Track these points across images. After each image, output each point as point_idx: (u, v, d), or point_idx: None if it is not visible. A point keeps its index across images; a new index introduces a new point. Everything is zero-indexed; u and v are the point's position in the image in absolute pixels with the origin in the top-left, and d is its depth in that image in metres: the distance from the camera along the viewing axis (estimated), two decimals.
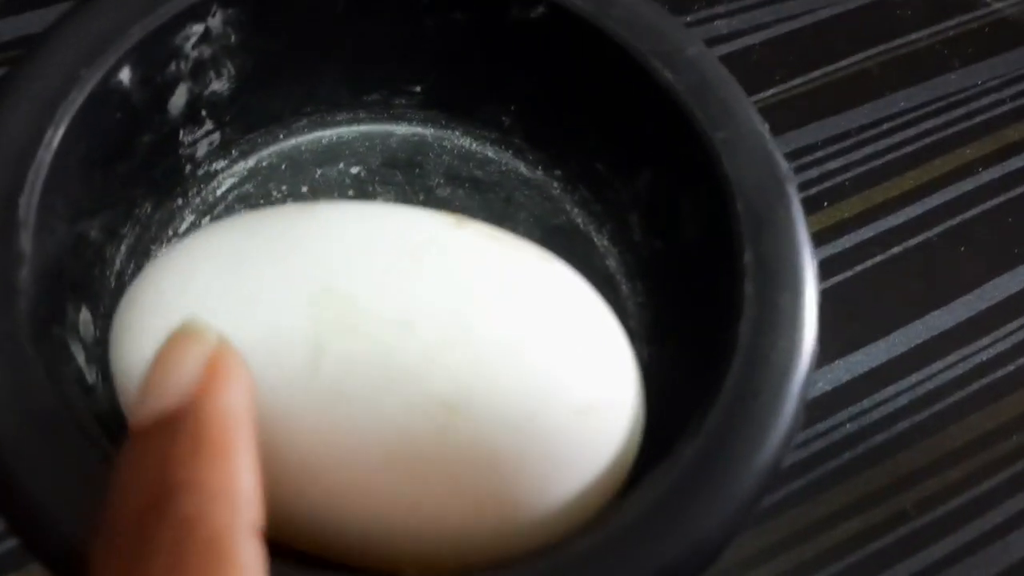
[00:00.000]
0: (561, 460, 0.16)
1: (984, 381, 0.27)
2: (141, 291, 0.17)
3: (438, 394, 0.15)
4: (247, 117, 0.23)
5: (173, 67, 0.20)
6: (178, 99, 0.21)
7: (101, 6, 0.19)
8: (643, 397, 0.18)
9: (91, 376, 0.19)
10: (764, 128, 0.20)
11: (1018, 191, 0.30)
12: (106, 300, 0.21)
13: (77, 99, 0.18)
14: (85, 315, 0.20)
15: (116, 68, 0.19)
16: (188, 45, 0.20)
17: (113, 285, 0.21)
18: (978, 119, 0.32)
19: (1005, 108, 0.32)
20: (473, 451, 0.15)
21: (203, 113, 0.22)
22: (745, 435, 0.17)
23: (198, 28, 0.20)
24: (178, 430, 0.13)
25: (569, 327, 0.17)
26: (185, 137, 0.22)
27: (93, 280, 0.20)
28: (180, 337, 0.15)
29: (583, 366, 0.17)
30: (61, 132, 0.18)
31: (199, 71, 0.21)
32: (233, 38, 0.21)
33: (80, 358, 0.19)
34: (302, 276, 0.16)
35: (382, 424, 0.15)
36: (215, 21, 0.20)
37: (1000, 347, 0.27)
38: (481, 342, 0.16)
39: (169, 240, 0.23)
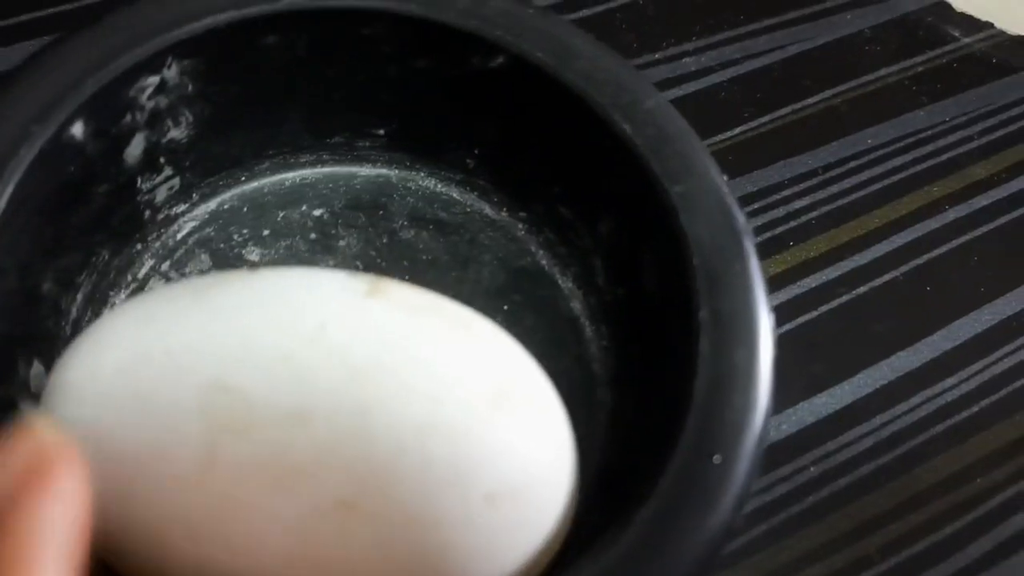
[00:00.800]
0: (470, 552, 0.16)
1: (949, 423, 0.27)
2: (56, 380, 0.16)
3: (334, 492, 0.15)
4: (207, 161, 0.23)
5: (128, 118, 0.20)
6: (134, 149, 0.21)
7: (54, 60, 0.19)
8: (574, 472, 0.17)
9: None
10: (722, 181, 0.20)
11: (984, 229, 0.30)
12: (60, 349, 0.21)
13: (27, 156, 0.18)
14: (37, 368, 0.20)
15: (68, 122, 0.19)
16: (143, 96, 0.20)
17: (69, 334, 0.21)
18: (945, 156, 0.32)
19: (972, 145, 0.32)
20: (374, 550, 0.15)
21: (161, 160, 0.22)
22: (698, 496, 0.17)
23: (153, 80, 0.20)
24: None
25: (485, 405, 0.16)
26: (143, 184, 0.22)
27: (47, 331, 0.20)
28: (11, 438, 0.13)
29: (497, 448, 0.16)
30: (9, 191, 0.17)
31: (155, 121, 0.21)
32: (190, 87, 0.21)
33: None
34: (196, 371, 0.15)
35: (278, 528, 0.15)
36: (171, 72, 0.20)
37: (965, 388, 0.27)
38: (381, 432, 0.15)
39: (128, 285, 0.23)
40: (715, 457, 0.17)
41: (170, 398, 0.15)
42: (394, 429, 0.15)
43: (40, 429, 0.13)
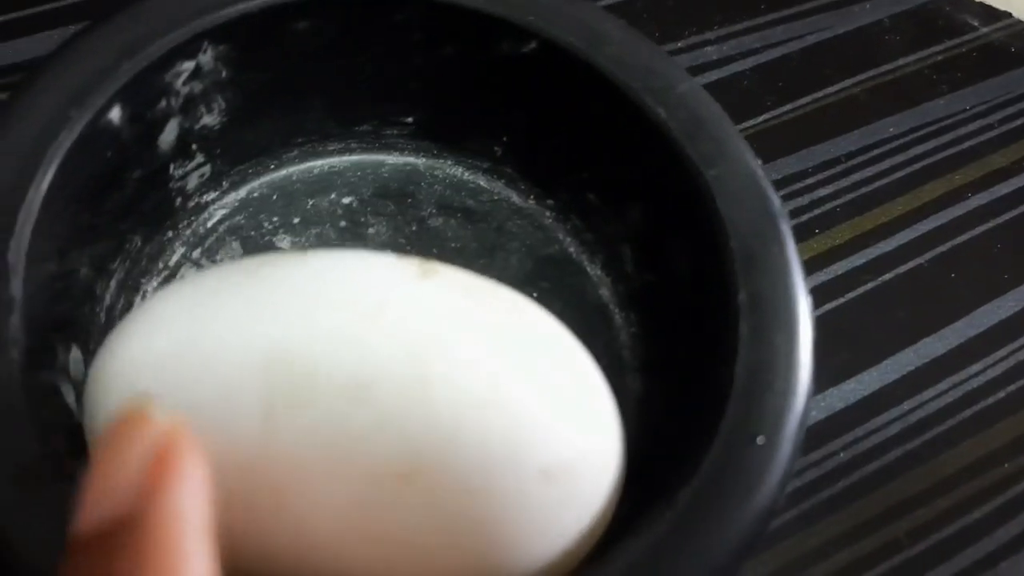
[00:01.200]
0: (525, 526, 0.16)
1: (975, 408, 0.27)
2: (105, 360, 0.16)
3: (393, 464, 0.15)
4: (238, 149, 0.23)
5: (163, 104, 0.20)
6: (168, 134, 0.21)
7: (91, 44, 0.19)
8: (623, 454, 0.18)
9: (81, 415, 0.19)
10: (757, 164, 0.20)
11: (1006, 217, 0.30)
12: (96, 336, 0.21)
13: (66, 141, 0.18)
14: (76, 354, 0.20)
15: (106, 108, 0.19)
16: (179, 82, 0.20)
17: (103, 320, 0.21)
18: (966, 144, 0.32)
19: (993, 133, 0.32)
20: (429, 521, 0.15)
21: (193, 147, 0.22)
22: (740, 480, 0.17)
23: (189, 65, 0.20)
24: (121, 544, 0.12)
25: (540, 383, 0.16)
26: (176, 171, 0.22)
27: (83, 317, 0.20)
28: (124, 426, 0.13)
29: (552, 425, 0.16)
30: (50, 175, 0.17)
31: (189, 106, 0.21)
32: (224, 73, 0.21)
33: (71, 398, 0.19)
34: (257, 339, 0.15)
35: (336, 495, 0.15)
36: (206, 57, 0.20)
37: (991, 374, 0.27)
38: (440, 405, 0.15)
39: (159, 273, 0.23)
40: (759, 439, 0.17)
41: (229, 371, 0.15)
42: (453, 403, 0.15)
43: (152, 414, 0.13)
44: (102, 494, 0.12)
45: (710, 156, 0.20)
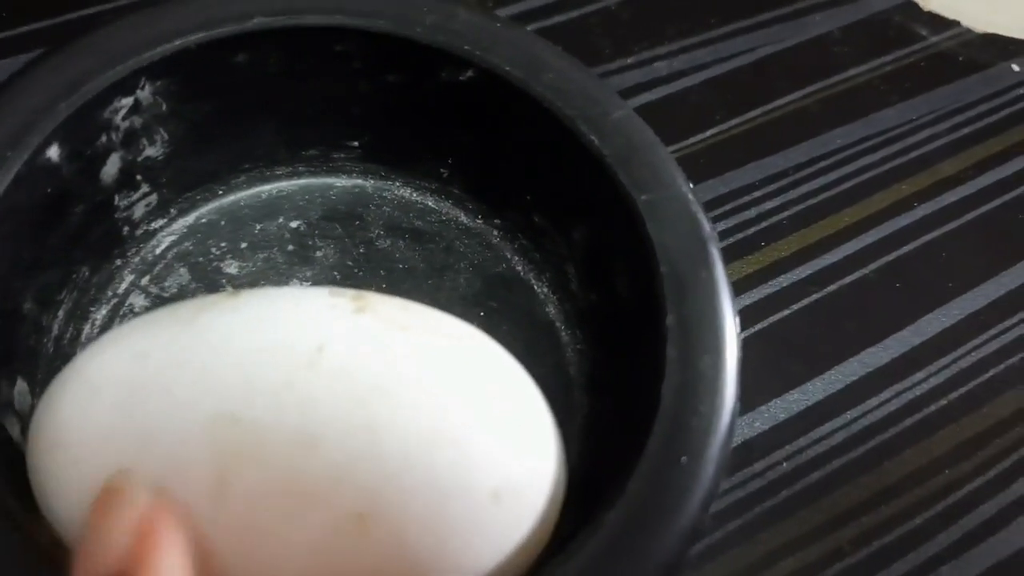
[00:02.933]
0: (480, 548, 0.16)
1: (918, 416, 0.27)
2: (42, 428, 0.16)
3: (347, 508, 0.15)
4: (184, 177, 0.24)
5: (103, 139, 0.21)
6: (111, 167, 0.21)
7: (27, 84, 0.19)
8: (564, 472, 0.18)
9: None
10: (689, 190, 0.21)
11: (952, 226, 0.31)
12: (43, 367, 0.21)
13: (2, 181, 0.18)
14: (21, 386, 0.20)
15: (44, 146, 0.19)
16: (118, 117, 0.20)
17: (52, 351, 0.22)
18: (914, 154, 0.32)
19: (941, 142, 0.33)
20: (390, 561, 0.16)
21: (138, 178, 0.22)
22: (665, 498, 0.18)
23: (127, 101, 0.20)
24: None
25: (482, 409, 0.17)
26: (121, 201, 0.22)
27: (29, 349, 0.21)
28: (108, 498, 0.15)
29: (497, 449, 0.17)
30: None
31: (131, 140, 0.21)
32: (164, 106, 0.21)
33: (15, 431, 0.19)
34: (198, 405, 0.16)
35: (295, 549, 0.15)
36: (144, 93, 0.21)
37: (933, 382, 0.28)
38: (389, 446, 0.16)
39: (108, 301, 0.23)
40: (682, 459, 0.18)
41: (175, 433, 0.16)
42: (402, 444, 0.16)
43: (133, 489, 0.15)
44: (94, 559, 0.14)
45: (643, 181, 0.21)
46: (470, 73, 0.22)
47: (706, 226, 0.21)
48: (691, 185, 0.21)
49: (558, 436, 0.19)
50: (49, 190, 0.20)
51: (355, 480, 0.15)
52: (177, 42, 0.20)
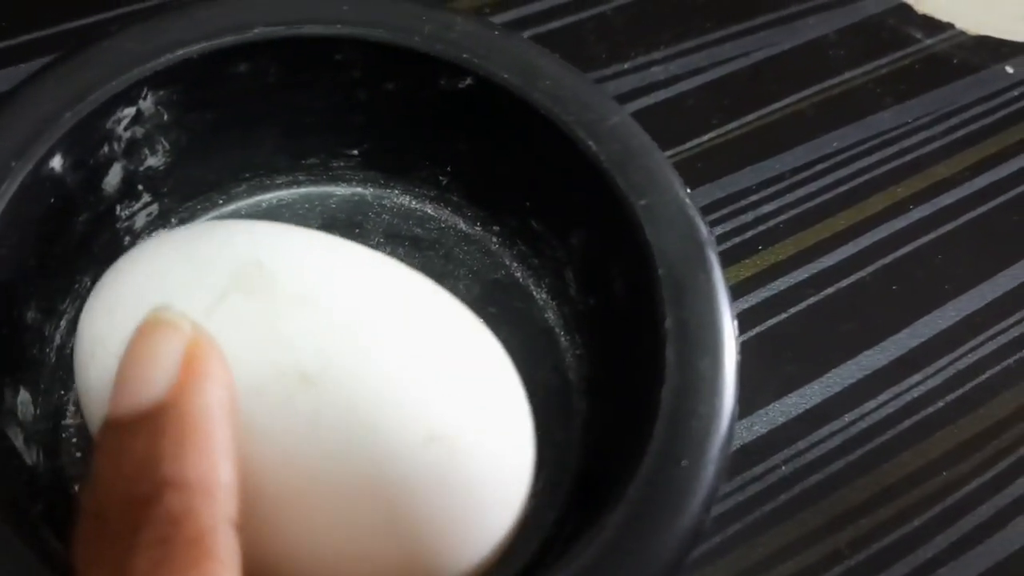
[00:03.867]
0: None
1: (915, 418, 0.28)
2: (110, 288, 0.18)
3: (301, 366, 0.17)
4: (185, 187, 0.24)
5: (106, 149, 0.21)
6: (113, 177, 0.21)
7: (30, 95, 0.19)
8: (534, 463, 0.20)
9: (31, 457, 0.20)
10: (685, 194, 0.21)
11: (948, 228, 0.31)
12: (46, 377, 0.21)
13: (8, 191, 0.18)
14: (24, 396, 0.20)
15: (47, 156, 0.19)
16: (120, 127, 0.21)
17: (54, 360, 0.22)
18: (909, 157, 0.32)
19: (936, 145, 0.33)
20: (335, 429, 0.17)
21: (139, 187, 0.22)
22: (666, 501, 0.18)
23: (129, 111, 0.20)
24: (161, 426, 0.14)
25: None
26: (122, 211, 0.23)
27: (31, 360, 0.21)
28: (153, 327, 0.15)
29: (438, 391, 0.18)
30: None
31: (133, 150, 0.21)
32: (166, 116, 0.21)
33: (18, 441, 0.19)
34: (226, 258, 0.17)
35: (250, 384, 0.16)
36: (146, 103, 0.21)
37: (931, 383, 0.28)
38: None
39: None
40: (683, 462, 0.18)
41: (200, 262, 0.18)
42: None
43: (178, 320, 0.15)
44: (135, 383, 0.14)
45: (640, 186, 0.21)
46: (468, 81, 0.22)
47: (703, 230, 0.21)
48: (688, 189, 0.21)
49: (531, 427, 0.20)
50: (53, 200, 0.20)
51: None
52: (179, 52, 0.20)
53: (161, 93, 0.21)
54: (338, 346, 0.17)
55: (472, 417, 0.18)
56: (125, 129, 0.21)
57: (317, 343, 0.17)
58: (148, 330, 0.15)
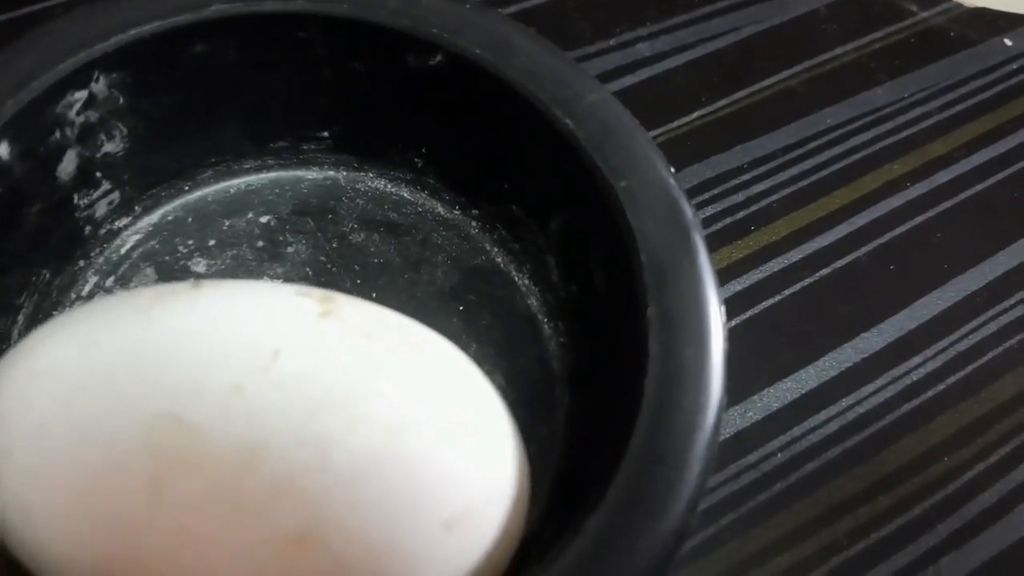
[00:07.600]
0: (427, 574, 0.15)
1: (915, 403, 0.27)
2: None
3: (287, 528, 0.14)
4: (147, 173, 0.23)
5: (57, 135, 0.20)
6: (67, 165, 0.20)
7: None
8: (528, 493, 0.17)
9: None
10: (669, 175, 0.20)
11: (945, 206, 0.30)
12: None
13: None
14: None
15: None
16: (71, 112, 0.20)
17: None
18: (905, 133, 0.31)
19: (932, 121, 0.32)
20: None
21: (98, 175, 0.21)
22: (648, 502, 0.17)
23: (81, 95, 0.19)
24: None
25: (442, 430, 0.16)
26: (80, 200, 0.22)
27: None
28: None
29: (455, 474, 0.16)
30: None
31: (87, 136, 0.20)
32: (121, 100, 0.20)
33: None
34: (140, 399, 0.15)
35: (229, 562, 0.14)
36: (99, 86, 0.20)
37: (930, 366, 0.27)
38: (337, 462, 0.15)
39: (72, 303, 0.22)
40: (665, 459, 0.17)
41: (113, 430, 0.15)
42: (351, 461, 0.15)
43: None
44: None
45: (620, 167, 0.20)
46: (439, 58, 0.21)
47: (688, 213, 0.20)
48: (673, 170, 0.20)
49: (522, 457, 0.18)
50: (1, 191, 0.19)
51: (298, 496, 0.14)
52: (131, 32, 0.19)
53: (114, 76, 0.20)
54: (316, 490, 0.15)
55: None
56: (77, 114, 0.20)
57: (294, 500, 0.15)
58: None
